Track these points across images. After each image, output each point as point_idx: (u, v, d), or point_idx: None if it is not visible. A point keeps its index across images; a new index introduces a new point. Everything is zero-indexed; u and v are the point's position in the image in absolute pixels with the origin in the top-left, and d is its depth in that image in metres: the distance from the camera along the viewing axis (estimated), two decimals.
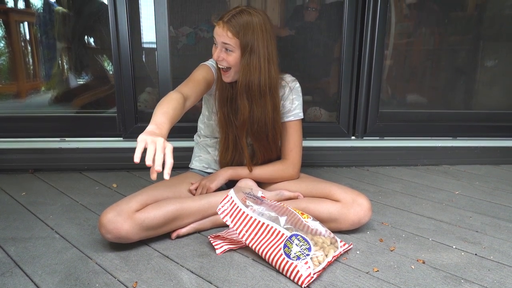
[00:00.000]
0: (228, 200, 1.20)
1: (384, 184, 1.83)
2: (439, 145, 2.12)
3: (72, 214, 1.45)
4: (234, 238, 1.22)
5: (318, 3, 2.06)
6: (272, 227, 1.13)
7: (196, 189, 1.38)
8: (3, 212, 1.46)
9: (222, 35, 1.26)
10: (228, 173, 1.41)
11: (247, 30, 1.25)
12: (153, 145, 0.94)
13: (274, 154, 1.46)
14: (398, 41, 2.14)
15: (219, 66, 1.32)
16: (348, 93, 2.03)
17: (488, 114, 2.21)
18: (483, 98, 2.30)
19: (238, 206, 1.19)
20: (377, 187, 1.78)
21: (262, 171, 1.43)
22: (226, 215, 1.18)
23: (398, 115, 2.15)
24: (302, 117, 1.45)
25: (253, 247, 1.13)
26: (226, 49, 1.28)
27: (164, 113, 1.07)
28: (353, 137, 2.10)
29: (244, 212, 1.18)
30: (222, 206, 1.19)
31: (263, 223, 1.15)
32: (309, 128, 2.05)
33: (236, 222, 1.17)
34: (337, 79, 2.06)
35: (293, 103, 1.42)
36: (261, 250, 1.12)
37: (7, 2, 2.11)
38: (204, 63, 1.39)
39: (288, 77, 1.44)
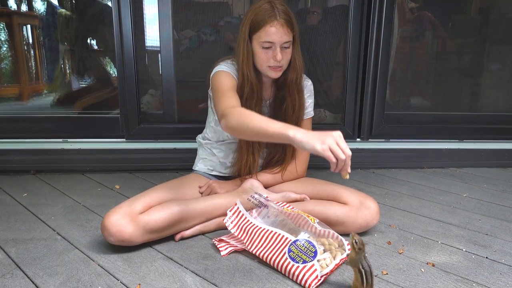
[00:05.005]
0: (235, 211, 1.19)
1: (391, 186, 1.80)
2: (446, 147, 2.09)
3: (74, 215, 1.43)
4: (239, 243, 1.19)
5: (320, 6, 2.05)
6: (276, 232, 1.11)
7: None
8: (5, 213, 1.44)
9: (284, 34, 1.21)
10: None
11: (295, 21, 1.24)
12: (335, 146, 0.89)
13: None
14: (404, 43, 2.13)
15: (275, 66, 1.25)
16: (353, 95, 2.02)
17: (495, 116, 2.19)
18: (490, 100, 2.28)
19: (245, 216, 1.18)
20: (383, 190, 1.76)
21: (274, 177, 1.42)
22: (234, 226, 1.16)
23: (403, 117, 2.13)
24: (313, 115, 1.46)
25: (260, 255, 1.11)
26: (284, 47, 1.24)
27: (271, 120, 1.00)
28: (358, 139, 2.08)
29: (250, 222, 1.16)
30: (229, 218, 1.17)
31: (267, 230, 1.12)
32: (314, 130, 2.03)
33: (244, 233, 1.15)
34: (342, 81, 2.04)
35: (306, 101, 1.42)
36: (268, 258, 1.09)
37: (11, 6, 2.11)
38: (221, 69, 1.31)
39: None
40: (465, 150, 2.10)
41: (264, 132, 0.98)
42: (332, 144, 0.89)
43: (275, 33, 1.20)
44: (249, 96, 1.29)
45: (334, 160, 0.89)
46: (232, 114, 1.06)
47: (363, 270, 0.92)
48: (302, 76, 1.38)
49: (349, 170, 0.93)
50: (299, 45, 1.31)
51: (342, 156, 0.89)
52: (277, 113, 1.39)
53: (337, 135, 0.91)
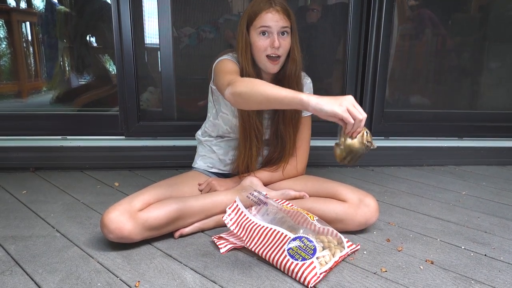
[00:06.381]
0: (235, 209, 1.18)
1: (390, 184, 1.80)
2: (445, 145, 2.09)
3: (74, 212, 1.43)
4: (238, 241, 1.19)
5: (320, 4, 2.04)
6: (275, 230, 1.10)
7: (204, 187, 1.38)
8: (4, 210, 1.43)
9: (281, 19, 1.23)
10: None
11: (292, 13, 1.26)
12: (353, 107, 0.92)
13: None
14: (404, 41, 2.12)
15: (273, 55, 1.26)
16: (353, 92, 2.01)
17: (494, 114, 2.19)
18: (489, 98, 2.28)
19: (244, 214, 1.17)
20: (382, 187, 1.76)
21: (273, 175, 1.41)
22: (233, 224, 1.16)
23: (403, 115, 2.13)
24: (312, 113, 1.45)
25: (259, 252, 1.11)
26: (282, 34, 1.25)
27: (282, 87, 1.00)
28: None
29: (249, 219, 1.16)
30: (229, 215, 1.17)
31: (266, 227, 1.12)
32: (313, 128, 2.02)
33: (243, 230, 1.15)
34: (341, 79, 2.04)
35: None
36: (267, 255, 1.09)
37: (10, 3, 2.10)
38: (225, 58, 1.32)
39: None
40: (464, 148, 2.10)
41: (274, 96, 0.98)
42: (350, 105, 0.92)
43: (272, 18, 1.23)
44: None
45: (352, 121, 0.92)
46: (241, 81, 1.07)
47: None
48: (301, 70, 1.38)
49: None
50: (298, 38, 1.32)
51: (360, 116, 0.92)
52: (276, 112, 1.39)
53: (352, 98, 0.94)
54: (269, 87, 1.01)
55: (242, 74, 1.28)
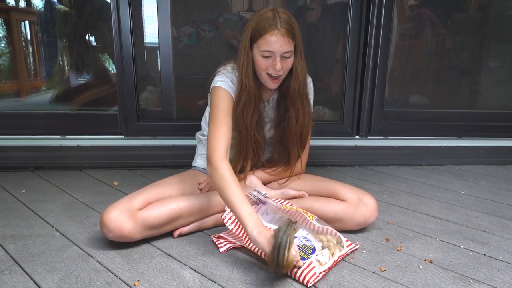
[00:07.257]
0: None
1: (389, 183, 1.81)
2: (444, 144, 2.10)
3: (73, 212, 1.43)
4: (237, 240, 1.19)
5: (320, 3, 2.04)
6: (274, 229, 1.10)
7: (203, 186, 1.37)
8: (3, 210, 1.44)
9: (285, 44, 1.17)
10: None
11: (297, 31, 1.20)
12: None
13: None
14: (403, 41, 2.12)
15: (273, 75, 1.22)
16: (352, 92, 2.01)
17: (494, 114, 2.19)
18: (488, 98, 2.28)
19: None
20: (382, 187, 1.76)
21: (270, 176, 1.41)
22: (232, 223, 1.16)
23: (402, 115, 2.13)
24: (312, 111, 1.42)
25: (258, 252, 1.11)
26: (284, 57, 1.20)
27: (244, 202, 1.07)
28: (357, 136, 2.08)
29: None
30: (228, 214, 1.17)
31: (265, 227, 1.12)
32: (313, 127, 2.02)
33: (242, 230, 1.14)
34: (341, 79, 2.04)
35: None
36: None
37: (9, 2, 2.10)
38: (220, 86, 1.26)
39: None
40: (463, 147, 2.10)
41: (232, 209, 1.08)
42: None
43: (275, 42, 1.16)
44: (247, 104, 1.26)
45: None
46: (219, 174, 1.13)
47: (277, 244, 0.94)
48: (306, 85, 1.32)
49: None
50: (303, 53, 1.26)
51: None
52: (280, 121, 1.36)
53: None
54: (232, 198, 1.08)
55: (242, 87, 1.25)
